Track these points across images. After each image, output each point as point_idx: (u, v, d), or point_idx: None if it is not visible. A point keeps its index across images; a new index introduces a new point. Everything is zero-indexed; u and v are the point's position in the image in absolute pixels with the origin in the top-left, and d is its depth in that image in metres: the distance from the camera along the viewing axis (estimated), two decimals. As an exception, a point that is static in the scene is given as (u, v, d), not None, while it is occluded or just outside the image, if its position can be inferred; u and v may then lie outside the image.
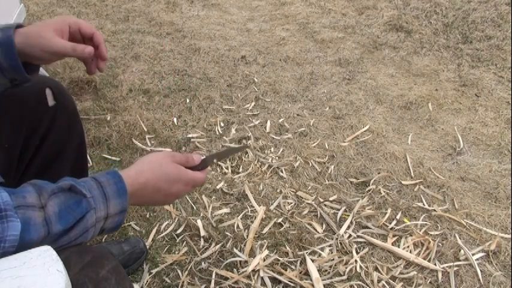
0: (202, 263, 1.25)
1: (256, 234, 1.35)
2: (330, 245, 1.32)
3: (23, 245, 0.49)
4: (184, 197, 1.47)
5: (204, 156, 0.74)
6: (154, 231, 1.35)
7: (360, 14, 3.09)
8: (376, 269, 1.26)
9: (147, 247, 1.27)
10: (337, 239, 1.34)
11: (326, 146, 1.76)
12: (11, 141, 0.80)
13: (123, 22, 2.82)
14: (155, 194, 0.65)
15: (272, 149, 1.72)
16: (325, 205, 1.48)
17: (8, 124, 0.77)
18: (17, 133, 0.81)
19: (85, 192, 0.54)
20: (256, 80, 2.22)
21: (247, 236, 1.33)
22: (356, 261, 1.27)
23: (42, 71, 1.91)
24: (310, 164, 1.65)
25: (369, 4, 3.20)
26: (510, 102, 2.09)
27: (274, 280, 1.21)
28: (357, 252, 1.30)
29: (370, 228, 1.39)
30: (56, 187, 0.54)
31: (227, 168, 1.62)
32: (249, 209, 1.44)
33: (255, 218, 1.40)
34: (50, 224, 0.51)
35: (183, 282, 1.19)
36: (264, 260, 1.25)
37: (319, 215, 1.44)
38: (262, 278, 1.21)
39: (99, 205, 0.55)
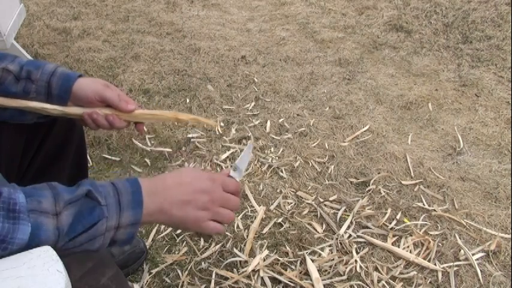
0: (202, 263, 1.25)
1: (256, 234, 1.35)
2: (330, 245, 1.33)
3: (31, 247, 0.49)
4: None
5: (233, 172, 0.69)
6: (154, 231, 1.35)
7: (360, 14, 3.09)
8: (376, 269, 1.26)
9: (147, 247, 1.28)
10: (337, 239, 1.34)
11: (326, 146, 1.76)
12: (13, 141, 0.81)
13: (123, 22, 2.82)
14: (177, 191, 0.59)
15: (272, 149, 1.72)
16: (325, 205, 1.48)
17: (10, 124, 0.77)
18: (18, 133, 0.81)
19: (100, 200, 0.53)
20: (256, 80, 2.22)
21: (247, 236, 1.33)
22: (356, 261, 1.27)
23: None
24: (310, 164, 1.66)
25: (369, 4, 3.20)
26: (510, 102, 2.09)
27: (274, 280, 1.21)
28: (357, 252, 1.30)
29: (370, 228, 1.39)
30: (75, 196, 0.52)
31: (227, 168, 1.62)
32: (249, 209, 1.44)
33: (255, 218, 1.40)
34: (61, 234, 0.51)
35: (183, 282, 1.19)
36: (264, 260, 1.25)
37: (319, 215, 1.44)
38: (262, 278, 1.21)
39: (112, 214, 0.54)
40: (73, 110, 0.76)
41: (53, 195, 0.51)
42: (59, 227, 0.50)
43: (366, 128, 1.86)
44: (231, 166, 0.69)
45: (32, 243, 0.49)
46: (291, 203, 1.48)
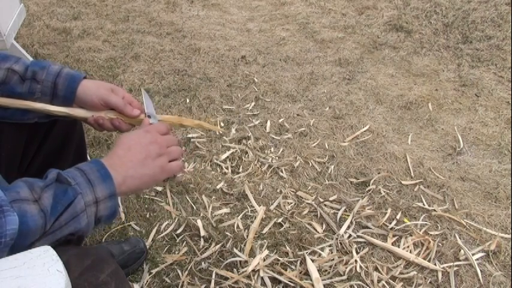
0: (202, 263, 1.25)
1: (256, 234, 1.35)
2: (330, 245, 1.33)
3: (22, 235, 0.50)
4: (184, 197, 1.47)
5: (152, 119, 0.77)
6: (154, 231, 1.35)
7: (360, 14, 3.09)
8: (376, 269, 1.26)
9: (147, 247, 1.28)
10: (337, 239, 1.34)
11: (326, 146, 1.76)
12: (14, 140, 0.81)
13: (123, 22, 2.82)
14: (130, 155, 0.64)
15: (272, 149, 1.72)
16: (325, 205, 1.48)
17: (11, 124, 0.77)
18: (19, 133, 0.81)
19: (70, 180, 0.56)
20: (256, 80, 2.22)
21: (247, 236, 1.33)
22: (356, 261, 1.27)
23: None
24: (310, 164, 1.65)
25: (369, 4, 3.20)
26: (510, 102, 2.09)
27: (274, 280, 1.21)
28: (357, 252, 1.30)
29: (370, 228, 1.39)
30: (48, 180, 0.55)
31: (227, 168, 1.62)
32: (249, 209, 1.44)
33: (255, 218, 1.40)
34: (47, 215, 0.52)
35: (183, 282, 1.19)
36: (264, 260, 1.25)
37: (319, 215, 1.44)
38: (262, 278, 1.21)
39: (85, 190, 0.57)
40: (79, 113, 0.77)
41: (27, 185, 0.54)
42: (43, 209, 0.52)
43: (366, 128, 1.86)
44: (147, 116, 0.77)
45: (22, 231, 0.50)
46: (291, 203, 1.48)
